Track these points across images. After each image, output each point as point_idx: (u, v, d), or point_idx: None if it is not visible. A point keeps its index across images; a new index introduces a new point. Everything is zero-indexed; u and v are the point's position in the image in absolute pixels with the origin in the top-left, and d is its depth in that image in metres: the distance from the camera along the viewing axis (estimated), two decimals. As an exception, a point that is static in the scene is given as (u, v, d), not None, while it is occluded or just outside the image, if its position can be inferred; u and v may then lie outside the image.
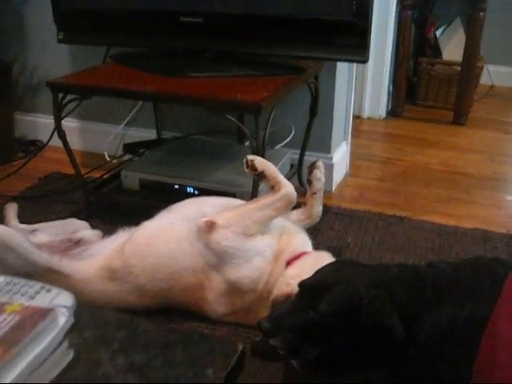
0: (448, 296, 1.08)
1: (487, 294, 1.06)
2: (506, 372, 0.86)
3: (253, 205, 1.35)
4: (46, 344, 0.62)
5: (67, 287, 1.26)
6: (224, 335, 1.31)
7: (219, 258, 1.30)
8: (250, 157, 1.40)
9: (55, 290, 0.71)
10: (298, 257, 1.34)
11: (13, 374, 0.57)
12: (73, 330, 0.69)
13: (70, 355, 0.65)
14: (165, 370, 0.64)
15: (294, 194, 1.37)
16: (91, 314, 0.73)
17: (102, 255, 1.39)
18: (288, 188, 1.36)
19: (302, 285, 1.15)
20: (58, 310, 0.66)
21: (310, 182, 1.53)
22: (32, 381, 0.59)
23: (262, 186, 1.72)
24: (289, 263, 1.33)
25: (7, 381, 0.56)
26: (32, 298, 0.70)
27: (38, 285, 0.72)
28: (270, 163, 1.40)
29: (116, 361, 0.65)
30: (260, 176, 1.39)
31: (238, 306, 1.33)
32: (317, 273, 1.17)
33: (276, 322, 1.11)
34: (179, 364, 0.64)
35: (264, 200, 1.35)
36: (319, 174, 1.53)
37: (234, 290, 1.30)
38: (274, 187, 1.37)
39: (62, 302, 0.69)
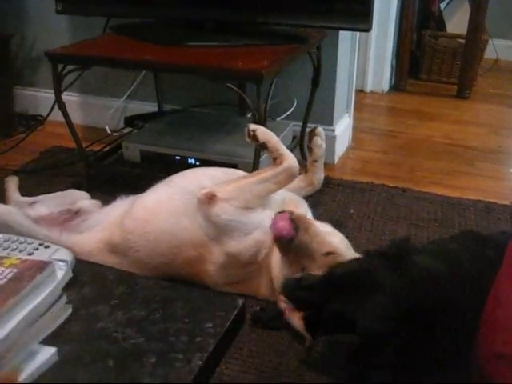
0: None
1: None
2: (505, 335, 0.86)
3: (254, 178, 1.33)
4: (43, 296, 0.61)
5: None
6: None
7: (219, 231, 1.29)
8: (252, 126, 1.37)
9: (54, 247, 0.71)
10: None
11: (10, 324, 0.57)
12: (72, 286, 0.69)
13: (69, 310, 0.65)
14: (164, 324, 0.63)
15: (297, 166, 1.35)
16: (91, 271, 0.73)
17: (101, 227, 1.39)
18: (290, 161, 1.33)
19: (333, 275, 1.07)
20: (56, 264, 0.66)
21: (310, 150, 1.53)
22: (30, 333, 0.59)
23: (264, 156, 1.71)
24: None
25: (4, 331, 0.55)
26: (30, 254, 0.70)
27: (36, 242, 0.72)
28: (272, 134, 1.38)
29: (115, 315, 0.65)
30: (262, 147, 1.37)
31: (239, 278, 1.33)
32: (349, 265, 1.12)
33: (297, 295, 1.08)
34: (178, 318, 0.64)
35: (265, 173, 1.33)
36: (320, 140, 1.52)
37: (233, 262, 1.30)
38: (275, 159, 1.34)
39: (60, 257, 0.69)
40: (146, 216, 1.34)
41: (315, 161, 1.51)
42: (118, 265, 1.33)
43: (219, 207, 1.27)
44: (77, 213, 1.48)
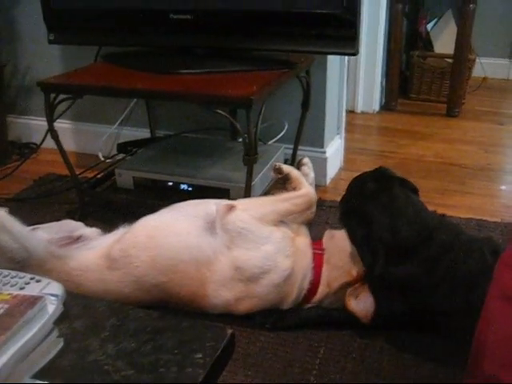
0: None
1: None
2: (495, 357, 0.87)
3: (273, 197, 1.43)
4: (34, 332, 0.62)
5: (64, 275, 1.30)
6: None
7: (230, 239, 1.32)
8: (277, 163, 1.52)
9: (45, 281, 0.71)
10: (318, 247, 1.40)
11: (1, 360, 0.57)
12: (63, 320, 0.69)
13: (60, 344, 0.66)
14: (154, 355, 0.64)
15: (315, 195, 1.46)
16: (82, 304, 0.74)
17: (101, 246, 1.39)
18: (309, 188, 1.45)
19: None
20: (48, 298, 0.67)
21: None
22: (22, 368, 0.60)
23: (255, 182, 1.73)
24: (316, 247, 1.39)
25: (-4, 367, 0.56)
26: (22, 288, 0.70)
27: (27, 276, 0.73)
28: (293, 168, 1.52)
29: (106, 348, 0.65)
30: (285, 179, 1.49)
31: (240, 296, 1.32)
32: None
33: None
34: (168, 349, 0.65)
35: (285, 195, 1.43)
36: (307, 169, 1.59)
37: (237, 275, 1.31)
38: (295, 188, 1.46)
39: (51, 291, 0.70)
40: (149, 232, 1.36)
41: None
42: (114, 283, 1.33)
43: (235, 215, 1.34)
44: (78, 239, 1.49)
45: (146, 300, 1.34)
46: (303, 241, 1.40)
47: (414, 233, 1.25)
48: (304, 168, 1.58)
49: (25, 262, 1.25)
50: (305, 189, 1.44)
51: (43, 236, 1.45)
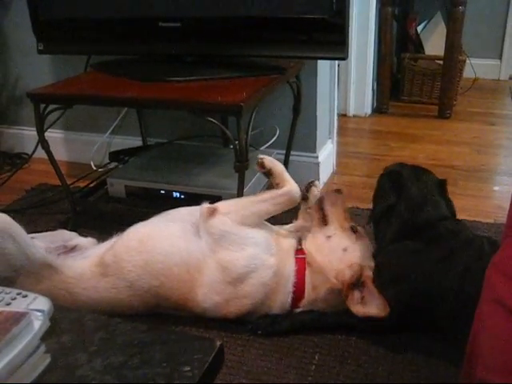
0: None
1: None
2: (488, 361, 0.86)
3: (255, 198, 1.42)
4: (20, 348, 0.61)
5: (60, 283, 1.31)
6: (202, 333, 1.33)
7: (215, 242, 1.33)
8: (261, 155, 1.49)
9: (31, 296, 0.71)
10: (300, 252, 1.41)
11: (-14, 379, 0.57)
12: (50, 335, 0.69)
13: (47, 360, 0.65)
14: (142, 369, 0.63)
15: (298, 192, 1.44)
16: (70, 318, 0.73)
17: (96, 254, 1.40)
18: (292, 186, 1.43)
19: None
20: (33, 314, 0.66)
21: (306, 198, 1.56)
22: (8, 386, 0.59)
23: (247, 188, 1.73)
24: (298, 252, 1.40)
25: (-20, 386, 0.56)
26: (8, 304, 0.70)
27: (14, 291, 0.72)
28: (278, 162, 1.49)
29: (94, 363, 0.65)
30: (268, 173, 1.46)
31: (230, 296, 1.33)
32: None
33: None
34: (156, 363, 0.64)
35: (266, 194, 1.42)
36: (316, 191, 1.58)
37: (224, 276, 1.32)
38: (278, 184, 1.43)
39: (37, 306, 0.69)
40: (141, 237, 1.37)
41: (309, 208, 1.55)
42: (109, 290, 1.34)
43: (218, 219, 1.35)
44: (73, 248, 1.49)
45: (140, 306, 1.36)
46: (287, 243, 1.42)
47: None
48: (314, 189, 1.58)
49: (22, 270, 1.26)
50: (286, 187, 1.42)
51: (40, 245, 1.45)
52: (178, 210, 1.47)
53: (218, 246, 1.33)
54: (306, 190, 1.57)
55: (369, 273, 1.34)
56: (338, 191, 1.55)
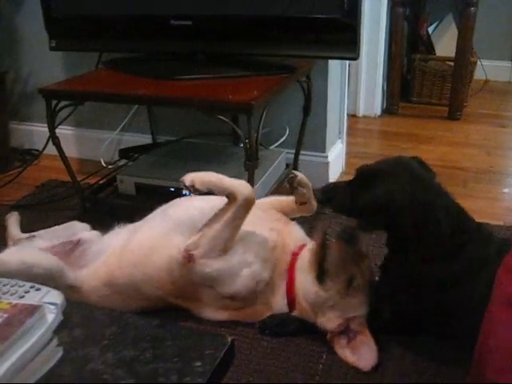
0: None
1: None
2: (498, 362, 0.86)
3: (218, 224, 1.29)
4: (33, 341, 0.62)
5: (79, 298, 1.32)
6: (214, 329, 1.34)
7: (210, 282, 1.31)
8: (188, 178, 1.28)
9: (44, 289, 0.71)
10: (301, 248, 1.38)
11: (0, 370, 0.57)
12: (63, 329, 0.69)
13: (60, 353, 0.66)
14: (153, 364, 0.64)
15: (252, 194, 1.29)
16: (81, 313, 0.73)
17: (103, 261, 1.41)
18: (243, 192, 1.27)
19: (359, 169, 1.32)
20: (47, 307, 0.67)
21: (294, 193, 1.44)
22: (21, 378, 0.59)
23: (256, 187, 1.73)
24: (294, 254, 1.36)
25: (-5, 377, 0.56)
26: (21, 297, 0.70)
27: (27, 284, 0.73)
28: (209, 176, 1.29)
29: (105, 357, 0.65)
30: (210, 193, 1.28)
31: (235, 307, 1.36)
32: (378, 162, 1.33)
33: (326, 195, 1.30)
34: (168, 358, 0.64)
35: (226, 215, 1.28)
36: (301, 189, 1.43)
37: (230, 300, 1.34)
38: (228, 196, 1.29)
39: (50, 299, 0.70)
40: (145, 253, 1.36)
41: (303, 202, 1.45)
42: (120, 300, 1.37)
43: (199, 264, 1.29)
44: (77, 243, 1.49)
45: (152, 307, 1.38)
46: (283, 242, 1.38)
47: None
48: (298, 187, 1.42)
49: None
50: (240, 195, 1.27)
51: (44, 245, 1.46)
52: (175, 208, 1.45)
53: (213, 283, 1.31)
54: (289, 182, 1.41)
55: (361, 321, 1.26)
56: (357, 248, 1.32)
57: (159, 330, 0.70)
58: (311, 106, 1.98)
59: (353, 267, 1.27)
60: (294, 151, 2.08)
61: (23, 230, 1.65)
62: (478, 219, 1.86)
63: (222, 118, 1.55)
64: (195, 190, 1.27)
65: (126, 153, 2.25)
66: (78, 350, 0.66)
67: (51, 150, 1.90)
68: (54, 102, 1.75)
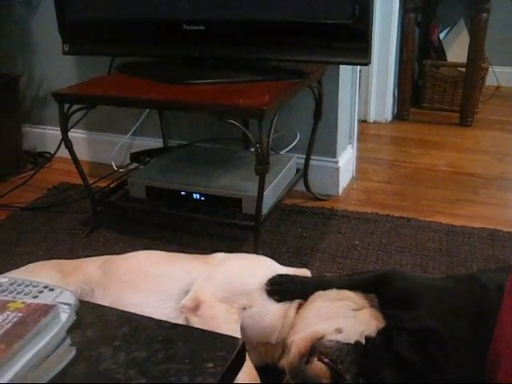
0: None
1: None
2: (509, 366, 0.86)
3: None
4: (47, 340, 0.63)
5: None
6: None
7: None
8: None
9: (58, 289, 0.72)
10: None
11: (14, 369, 0.58)
12: (76, 329, 0.70)
13: (73, 352, 0.66)
14: (165, 364, 0.64)
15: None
16: (94, 313, 0.74)
17: None
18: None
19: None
20: (60, 307, 0.68)
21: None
22: (34, 377, 0.60)
23: (267, 191, 1.73)
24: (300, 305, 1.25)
25: (9, 375, 0.57)
26: (35, 297, 0.71)
27: (41, 284, 0.74)
28: None
29: (117, 357, 0.66)
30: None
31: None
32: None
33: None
34: (179, 359, 0.65)
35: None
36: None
37: None
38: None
39: (64, 300, 0.70)
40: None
41: None
42: None
43: (208, 308, 1.19)
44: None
45: None
46: None
47: None
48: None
49: None
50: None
51: None
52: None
53: None
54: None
55: None
56: None
57: (171, 331, 0.70)
58: (322, 111, 1.99)
59: None
60: (304, 156, 2.08)
61: (34, 233, 1.65)
62: (489, 226, 1.87)
63: (233, 122, 1.55)
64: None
65: (137, 156, 2.27)
66: (90, 350, 0.67)
67: (63, 152, 1.92)
68: (66, 106, 1.76)
